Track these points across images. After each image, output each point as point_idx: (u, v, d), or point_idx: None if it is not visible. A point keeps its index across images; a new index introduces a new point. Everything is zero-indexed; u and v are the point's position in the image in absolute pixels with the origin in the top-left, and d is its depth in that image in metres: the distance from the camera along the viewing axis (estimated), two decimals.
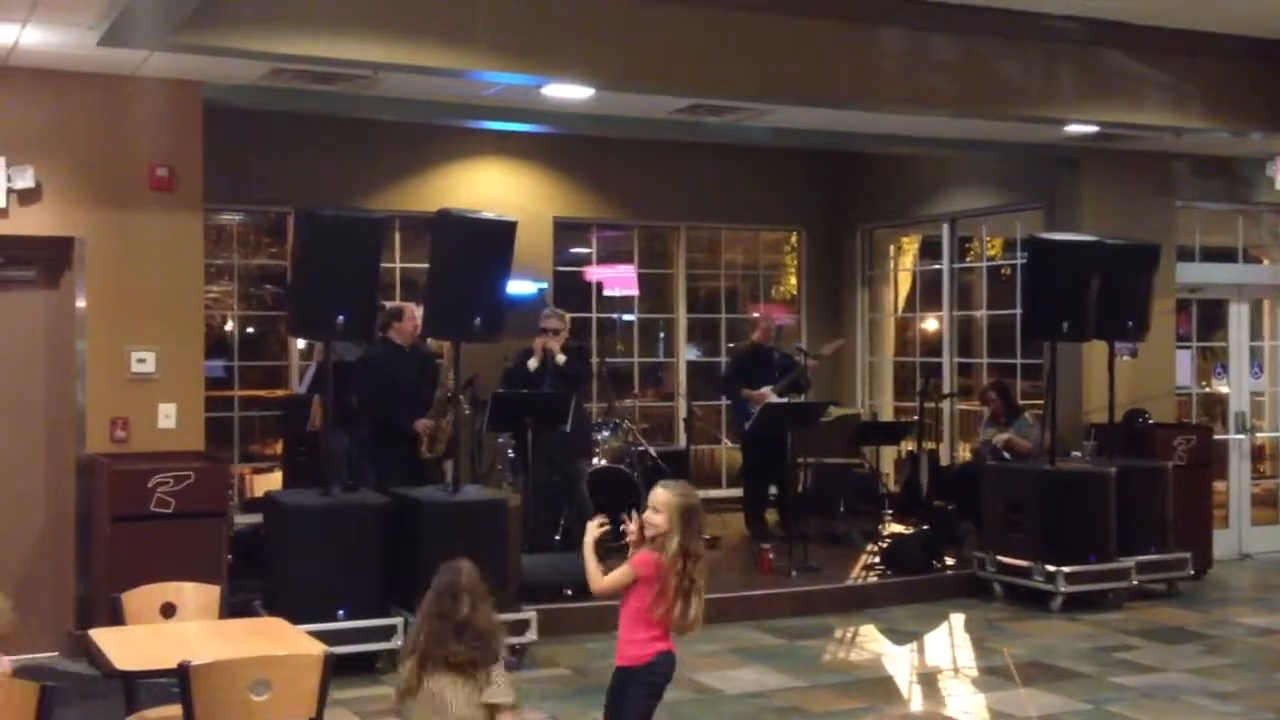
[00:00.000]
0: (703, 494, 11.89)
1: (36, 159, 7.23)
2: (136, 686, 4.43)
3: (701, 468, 11.92)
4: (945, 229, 11.71)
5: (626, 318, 12.29)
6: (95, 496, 7.15)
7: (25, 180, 7.19)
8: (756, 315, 11.38)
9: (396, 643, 6.91)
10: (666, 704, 6.51)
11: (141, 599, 4.88)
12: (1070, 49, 8.21)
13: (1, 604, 2.25)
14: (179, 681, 3.84)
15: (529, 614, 7.18)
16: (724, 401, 11.43)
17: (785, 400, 9.95)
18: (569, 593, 7.95)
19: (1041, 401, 9.75)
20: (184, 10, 6.12)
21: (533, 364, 8.80)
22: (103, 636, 4.53)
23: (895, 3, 7.51)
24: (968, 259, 11.99)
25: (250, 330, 10.86)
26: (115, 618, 4.80)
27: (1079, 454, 9.36)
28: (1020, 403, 10.25)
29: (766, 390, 10.01)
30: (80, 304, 7.40)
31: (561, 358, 8.76)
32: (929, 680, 7.18)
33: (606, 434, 9.84)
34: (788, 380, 10.07)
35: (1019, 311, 10.26)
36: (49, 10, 6.14)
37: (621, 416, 10.32)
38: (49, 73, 7.22)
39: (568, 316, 9.25)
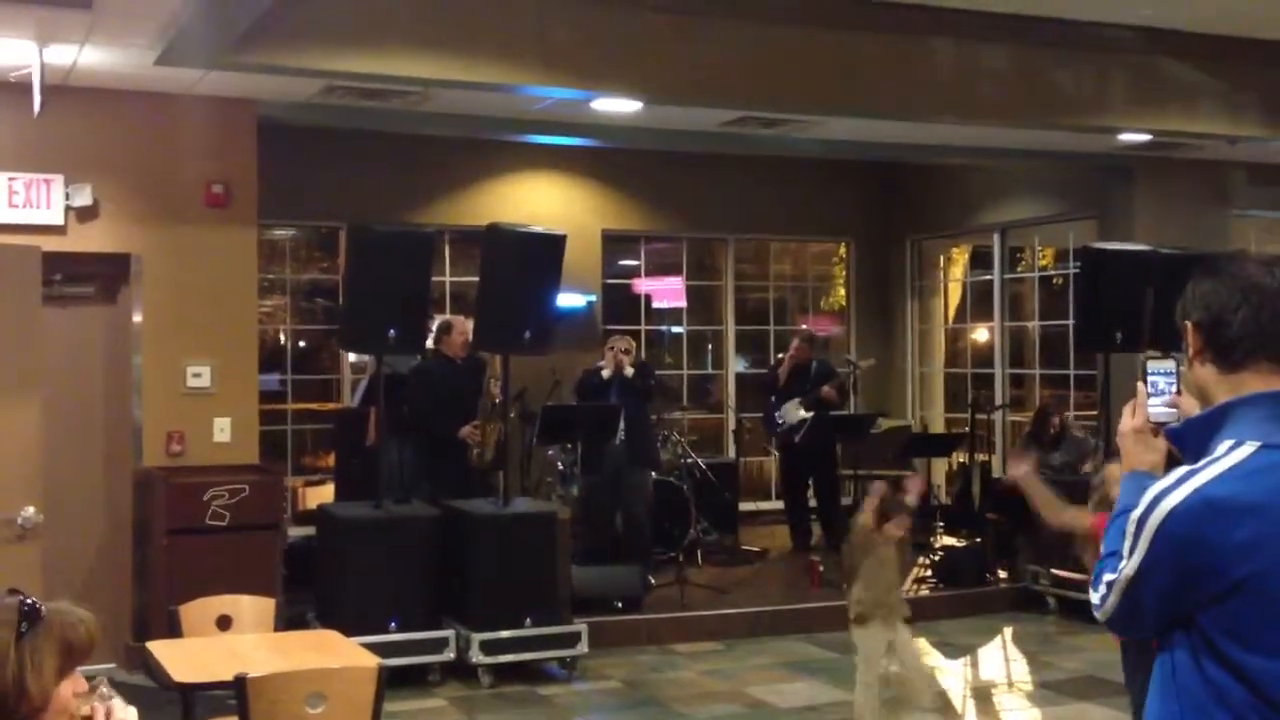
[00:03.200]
0: (751, 506, 11.94)
1: (94, 177, 7.35)
2: (194, 699, 4.47)
3: (750, 479, 11.89)
4: (996, 239, 11.62)
5: (675, 330, 12.29)
6: (152, 509, 7.23)
7: (83, 198, 7.31)
8: (801, 327, 11.36)
9: (449, 655, 6.95)
10: (720, 718, 6.51)
11: (198, 611, 4.93)
12: (1123, 57, 8.13)
13: (88, 617, 2.27)
14: (236, 694, 3.88)
15: (580, 626, 7.19)
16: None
17: (812, 413, 9.91)
18: (619, 605, 7.96)
19: (1095, 413, 9.65)
20: (238, 29, 6.21)
21: (606, 373, 8.86)
22: (161, 649, 4.60)
23: (945, 13, 7.47)
24: (1019, 269, 11.90)
25: (302, 344, 10.97)
26: (172, 630, 4.86)
27: None
28: (1074, 414, 10.15)
29: (791, 404, 10.02)
30: (137, 319, 7.51)
31: (630, 370, 8.83)
32: (983, 695, 7.11)
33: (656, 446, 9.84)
34: (812, 396, 10.02)
35: (1072, 322, 10.16)
36: (106, 31, 6.24)
37: (670, 429, 10.32)
38: (106, 92, 7.33)
39: (634, 344, 9.31)
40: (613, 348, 8.93)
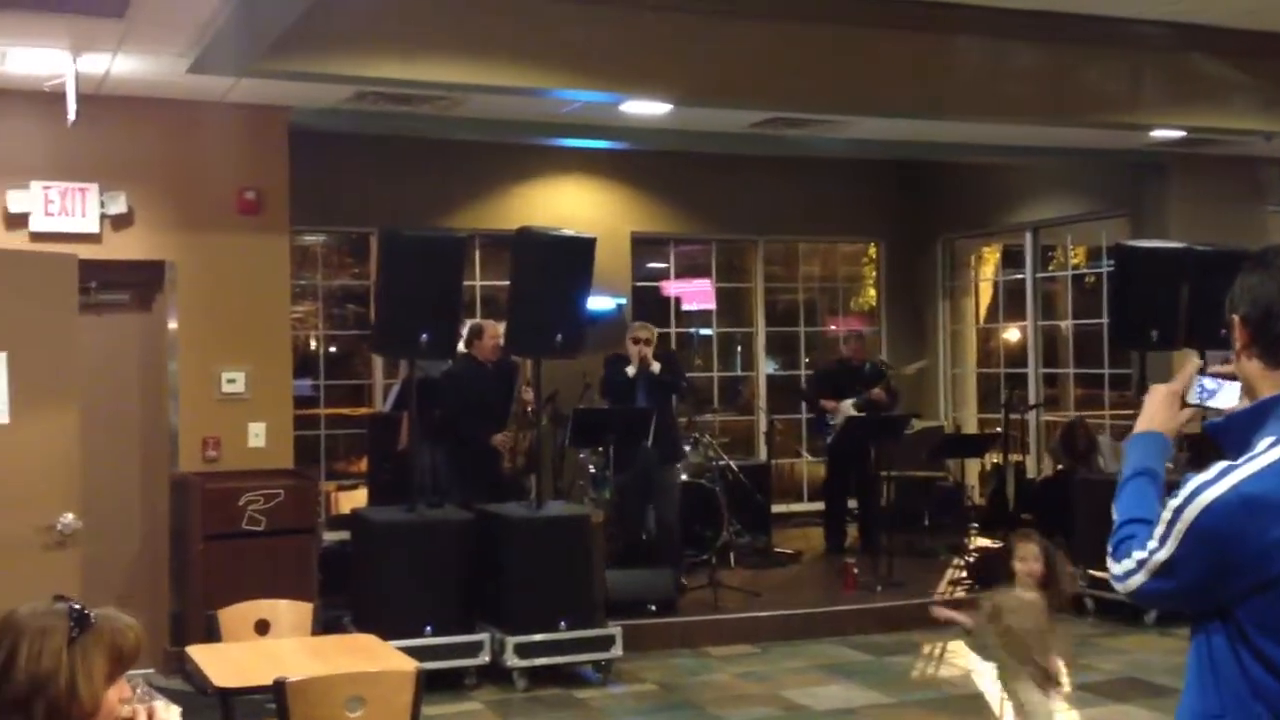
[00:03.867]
0: (783, 508, 11.88)
1: (128, 184, 7.40)
2: (233, 703, 4.49)
3: (782, 481, 11.86)
4: (1028, 238, 11.56)
5: (704, 332, 12.27)
6: (188, 515, 7.28)
7: (118, 206, 7.37)
8: (843, 331, 11.34)
9: (484, 659, 6.96)
10: None
11: (236, 616, 4.95)
12: (1155, 54, 8.07)
13: (135, 624, 2.28)
14: (275, 698, 3.89)
15: (614, 630, 7.19)
16: (804, 415, 11.43)
17: (864, 414, 9.87)
18: (653, 608, 7.95)
19: (1131, 412, 9.58)
20: (269, 37, 6.24)
21: (631, 370, 8.80)
22: (200, 654, 4.62)
23: (975, 11, 7.43)
24: (1050, 268, 11.83)
25: (333, 349, 11.01)
26: (211, 634, 4.88)
27: (1171, 465, 9.16)
28: (1109, 414, 10.08)
29: (847, 403, 9.95)
30: (172, 326, 7.56)
31: (656, 366, 8.75)
32: None
33: (687, 449, 9.84)
34: (864, 397, 9.97)
35: (1105, 321, 10.09)
36: (139, 40, 6.28)
37: (701, 431, 10.31)
38: (140, 100, 7.39)
39: (654, 329, 9.20)
40: (637, 340, 8.83)
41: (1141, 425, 2.24)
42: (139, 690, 2.34)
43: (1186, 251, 8.64)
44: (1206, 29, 7.85)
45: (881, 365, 10.60)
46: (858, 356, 10.34)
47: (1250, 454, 1.98)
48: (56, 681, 2.12)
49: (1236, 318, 2.09)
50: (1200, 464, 2.05)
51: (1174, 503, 1.99)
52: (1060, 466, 9.88)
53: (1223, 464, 1.98)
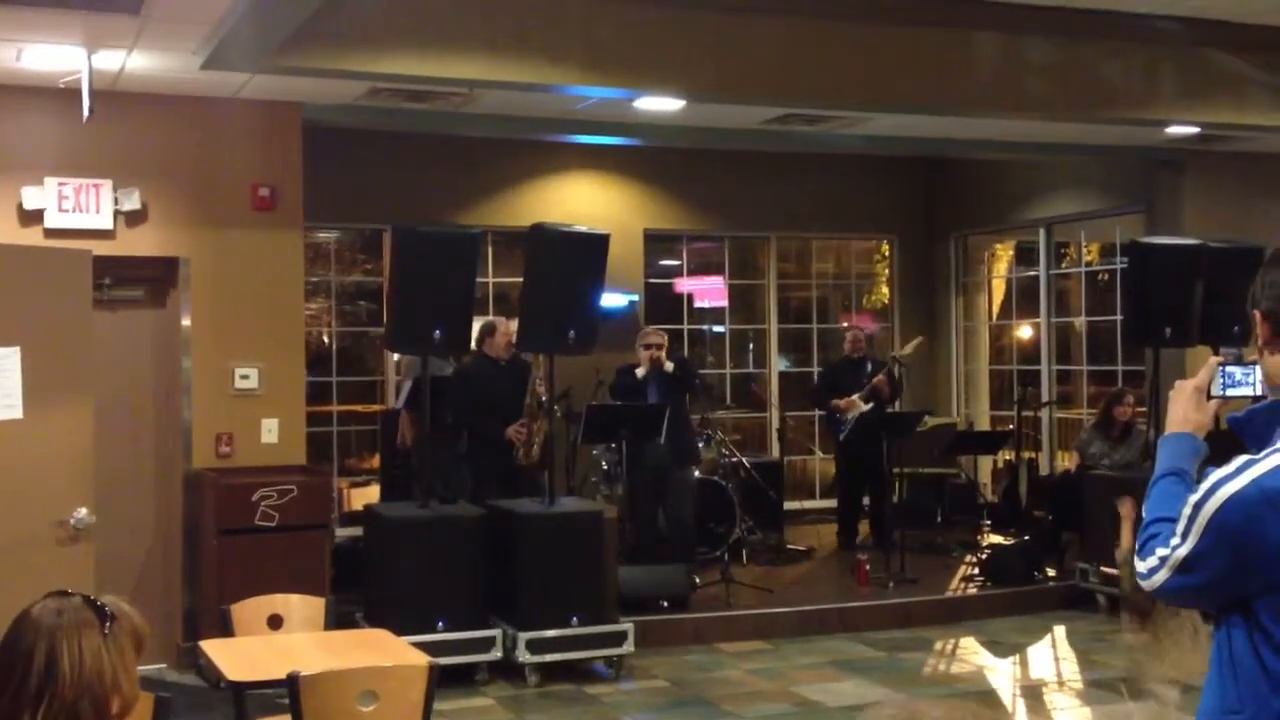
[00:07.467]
0: (795, 505, 11.89)
1: (142, 181, 7.41)
2: (245, 697, 4.50)
3: (794, 478, 11.85)
4: (1041, 234, 11.52)
5: (717, 329, 12.26)
6: (202, 510, 7.30)
7: (132, 202, 7.38)
8: (845, 325, 11.34)
9: (496, 654, 6.97)
10: (769, 717, 6.50)
11: (249, 610, 4.96)
12: (1171, 49, 8.04)
13: (135, 614, 2.27)
14: (289, 692, 3.90)
15: (626, 625, 7.19)
16: (817, 413, 11.41)
17: (870, 404, 9.86)
18: (665, 604, 7.95)
19: (1144, 409, 9.55)
20: (283, 33, 6.25)
21: (641, 371, 8.80)
22: (213, 648, 4.63)
23: (991, 7, 7.41)
24: (1064, 265, 11.79)
25: (346, 346, 11.03)
26: (224, 629, 4.89)
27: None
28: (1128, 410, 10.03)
29: (854, 398, 9.94)
30: (185, 322, 7.57)
31: (670, 364, 8.76)
32: (1033, 693, 7.05)
33: (700, 446, 9.84)
34: (869, 389, 9.96)
35: (1119, 318, 10.05)
36: (153, 36, 6.29)
37: (714, 428, 10.30)
38: (154, 97, 7.40)
39: (665, 334, 9.21)
40: (648, 345, 8.85)
41: (1172, 426, 2.24)
42: None
43: (1201, 248, 8.62)
44: (1222, 24, 7.82)
45: (893, 360, 10.57)
46: (856, 350, 10.30)
47: (1272, 448, 1.98)
48: (103, 679, 2.10)
49: (1259, 313, 2.10)
50: (1221, 459, 2.04)
51: (1194, 498, 2.00)
52: (1085, 461, 9.72)
53: (1243, 458, 1.99)
